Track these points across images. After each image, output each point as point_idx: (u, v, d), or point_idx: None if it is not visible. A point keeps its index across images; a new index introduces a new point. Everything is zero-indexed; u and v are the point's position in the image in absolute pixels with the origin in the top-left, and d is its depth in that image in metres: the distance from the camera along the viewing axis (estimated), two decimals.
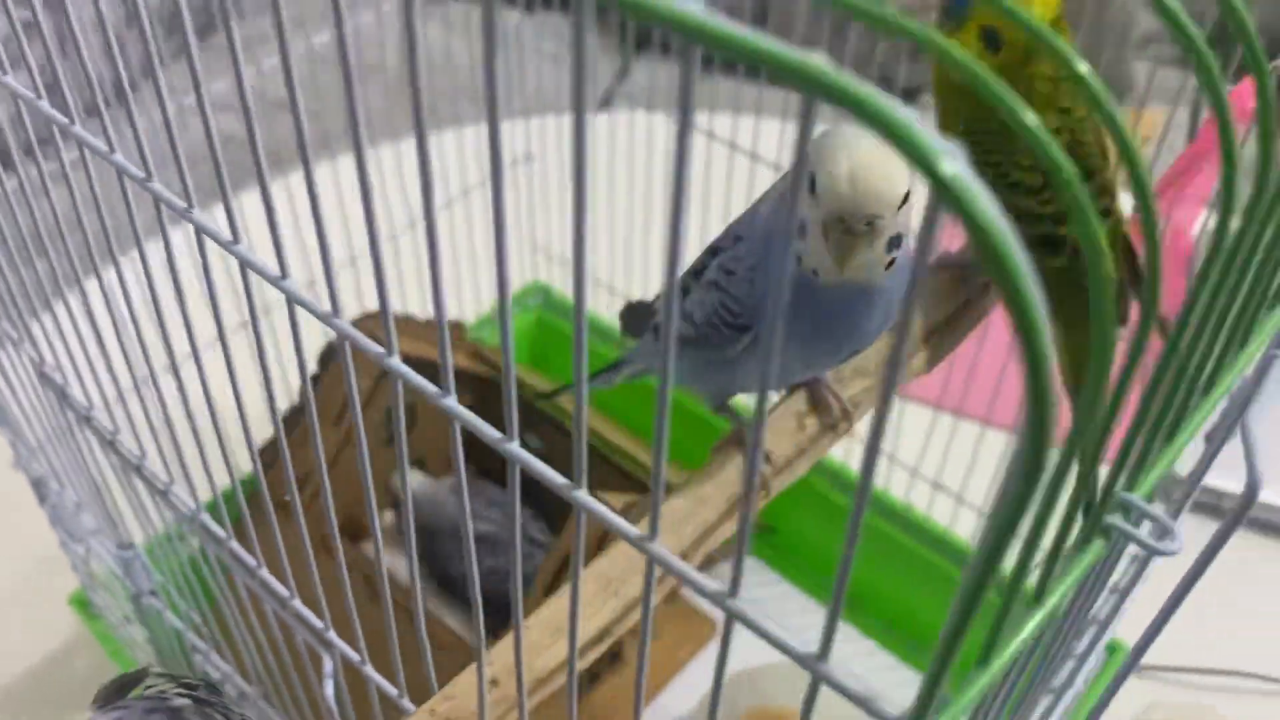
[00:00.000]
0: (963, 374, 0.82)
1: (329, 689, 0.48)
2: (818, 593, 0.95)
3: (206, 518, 0.52)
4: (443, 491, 0.92)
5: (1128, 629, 0.45)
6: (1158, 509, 0.30)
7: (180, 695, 0.47)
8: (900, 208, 0.39)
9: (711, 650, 0.90)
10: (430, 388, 0.31)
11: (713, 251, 0.48)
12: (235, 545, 0.51)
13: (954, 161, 0.17)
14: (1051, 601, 0.28)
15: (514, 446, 0.29)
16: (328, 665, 0.48)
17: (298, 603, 0.48)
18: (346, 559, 0.81)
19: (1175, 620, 0.36)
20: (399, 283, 0.95)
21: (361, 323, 0.80)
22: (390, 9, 1.01)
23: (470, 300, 1.03)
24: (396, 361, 0.32)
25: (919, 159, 0.17)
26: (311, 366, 0.87)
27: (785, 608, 0.95)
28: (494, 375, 0.91)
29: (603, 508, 0.28)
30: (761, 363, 0.21)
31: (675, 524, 0.44)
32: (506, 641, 0.41)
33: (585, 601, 0.42)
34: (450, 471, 0.94)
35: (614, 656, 0.83)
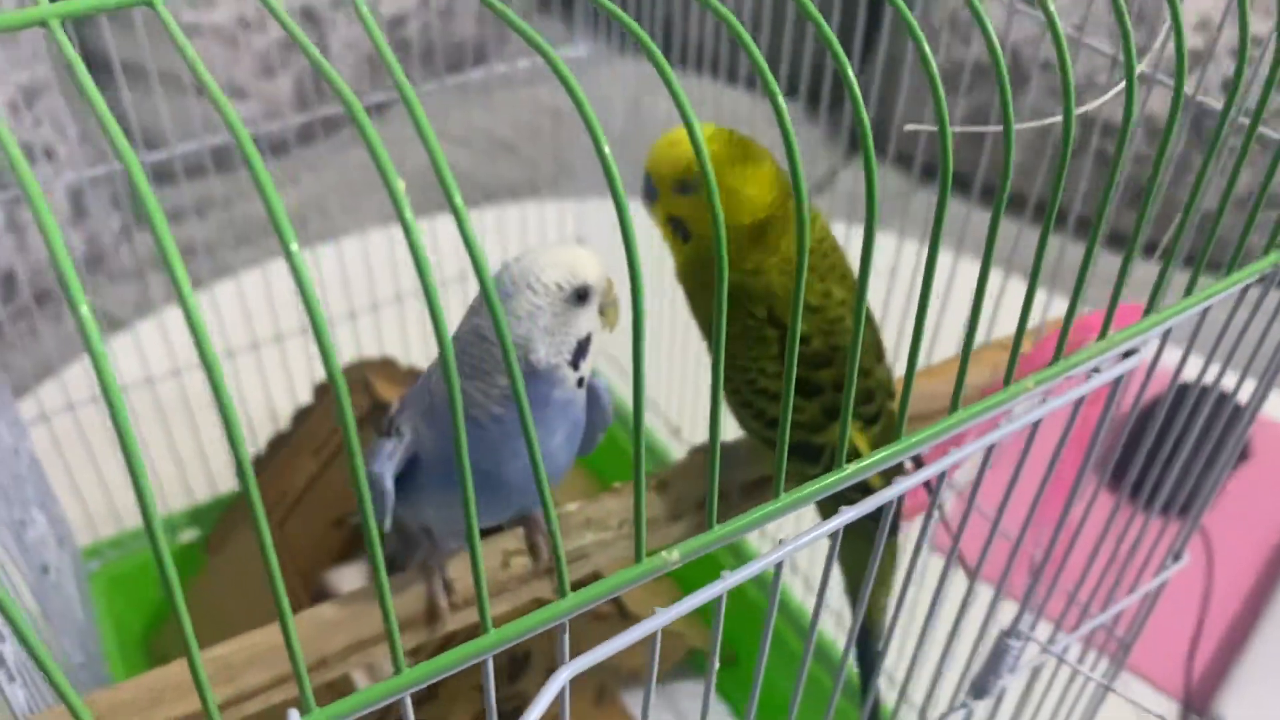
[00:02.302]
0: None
1: None
2: None
3: None
4: None
5: None
6: None
7: None
8: None
9: None
10: None
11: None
12: None
13: None
14: None
15: None
16: None
17: None
18: (305, 585, 0.83)
19: None
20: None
21: (354, 368, 0.83)
22: (625, 75, 1.05)
23: None
24: None
25: None
26: (307, 398, 0.90)
27: None
28: None
29: None
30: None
31: (322, 631, 0.45)
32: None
33: (188, 682, 0.43)
34: None
35: None
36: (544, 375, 0.44)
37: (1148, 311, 0.37)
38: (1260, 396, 0.49)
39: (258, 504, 0.23)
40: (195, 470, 0.94)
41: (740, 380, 0.50)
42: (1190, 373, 0.49)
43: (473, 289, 1.02)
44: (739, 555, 0.91)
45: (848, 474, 0.32)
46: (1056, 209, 0.31)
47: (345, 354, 0.96)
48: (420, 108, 0.23)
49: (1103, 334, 0.36)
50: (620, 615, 0.81)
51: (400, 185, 0.23)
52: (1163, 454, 0.53)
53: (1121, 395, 0.43)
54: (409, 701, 0.29)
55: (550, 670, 0.85)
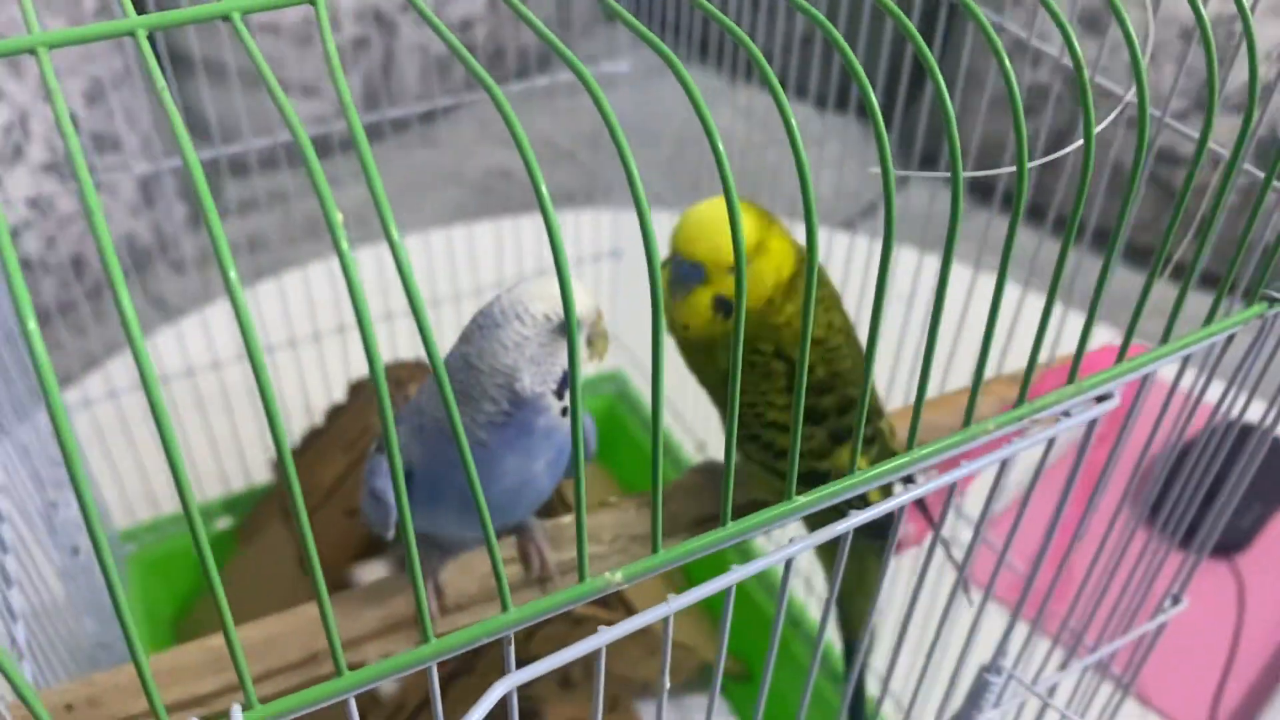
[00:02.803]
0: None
1: None
2: None
3: None
4: None
5: None
6: None
7: None
8: None
9: None
10: None
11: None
12: None
13: None
14: None
15: None
16: None
17: None
18: (329, 578, 0.85)
19: None
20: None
21: (389, 369, 0.85)
22: (679, 89, 1.05)
23: None
24: None
25: None
26: (340, 395, 0.92)
27: None
28: None
29: None
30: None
31: (313, 626, 0.47)
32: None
33: (184, 667, 0.45)
34: None
35: None
36: (529, 403, 0.45)
37: (1119, 359, 0.37)
38: (1274, 421, 0.48)
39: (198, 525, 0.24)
40: (231, 460, 0.97)
41: (749, 414, 0.51)
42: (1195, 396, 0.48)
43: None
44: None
45: (797, 505, 0.33)
46: (1025, 227, 0.31)
47: (384, 354, 0.98)
48: (365, 138, 0.24)
49: (1071, 378, 0.36)
50: None
51: (339, 217, 0.24)
52: (1159, 478, 0.52)
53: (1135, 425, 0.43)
54: (354, 704, 0.30)
55: (558, 674, 0.86)
